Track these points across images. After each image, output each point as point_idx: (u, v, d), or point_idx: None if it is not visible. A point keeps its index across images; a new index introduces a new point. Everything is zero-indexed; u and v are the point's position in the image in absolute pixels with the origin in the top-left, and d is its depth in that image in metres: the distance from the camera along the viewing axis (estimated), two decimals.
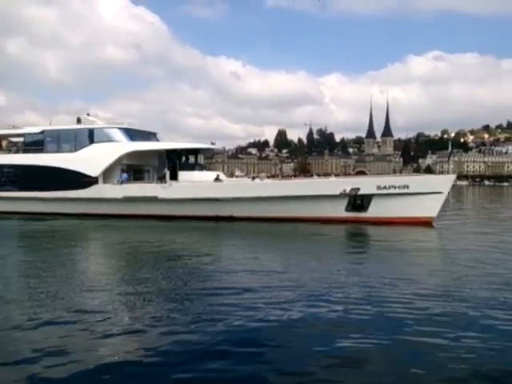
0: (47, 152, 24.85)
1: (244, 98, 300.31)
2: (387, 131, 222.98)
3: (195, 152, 25.03)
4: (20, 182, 24.85)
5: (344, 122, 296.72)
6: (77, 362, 5.28)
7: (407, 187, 19.90)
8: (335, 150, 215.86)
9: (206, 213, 21.99)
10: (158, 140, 27.02)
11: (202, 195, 22.13)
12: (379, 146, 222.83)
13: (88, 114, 26.57)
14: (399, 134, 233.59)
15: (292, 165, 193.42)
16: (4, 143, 31.72)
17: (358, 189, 20.43)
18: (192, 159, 25.05)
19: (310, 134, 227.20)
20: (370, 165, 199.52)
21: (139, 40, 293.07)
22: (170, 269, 10.73)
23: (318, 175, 62.93)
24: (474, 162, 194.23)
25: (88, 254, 14.17)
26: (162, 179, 23.94)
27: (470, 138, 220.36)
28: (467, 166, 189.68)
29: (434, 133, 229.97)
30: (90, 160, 23.49)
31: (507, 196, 68.40)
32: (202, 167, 25.00)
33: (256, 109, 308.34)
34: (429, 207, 19.66)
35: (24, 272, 10.43)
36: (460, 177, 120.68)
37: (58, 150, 24.75)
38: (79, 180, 23.39)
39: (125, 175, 23.73)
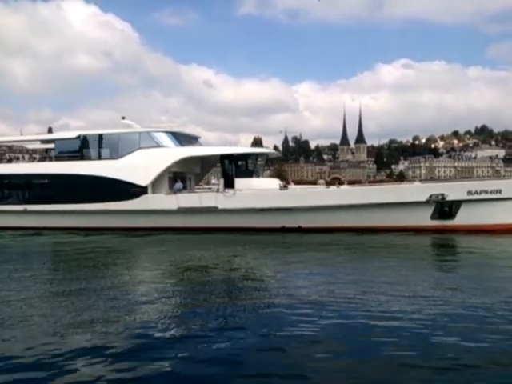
0: (86, 159, 22.28)
1: (218, 106, 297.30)
2: (360, 138, 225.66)
3: (245, 157, 22.78)
4: (54, 194, 22.10)
5: (318, 129, 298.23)
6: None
7: (500, 192, 18.64)
8: (310, 157, 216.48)
9: (270, 224, 20.10)
10: (201, 145, 24.85)
11: (269, 204, 20.11)
12: (353, 153, 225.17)
13: (123, 118, 24.13)
14: (372, 141, 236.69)
15: (268, 172, 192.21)
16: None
17: (446, 195, 19.02)
18: (243, 165, 22.88)
19: (286, 141, 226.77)
20: (344, 171, 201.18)
21: (110, 47, 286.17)
22: (234, 290, 9.58)
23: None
24: (445, 167, 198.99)
25: (145, 275, 11.91)
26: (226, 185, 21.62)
27: (441, 143, 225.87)
28: (438, 171, 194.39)
29: (405, 139, 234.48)
30: (137, 168, 21.09)
31: None
32: (259, 174, 22.90)
33: (231, 117, 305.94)
34: None
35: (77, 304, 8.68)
36: None
37: (99, 157, 22.21)
38: (126, 190, 20.96)
39: (180, 184, 21.43)
